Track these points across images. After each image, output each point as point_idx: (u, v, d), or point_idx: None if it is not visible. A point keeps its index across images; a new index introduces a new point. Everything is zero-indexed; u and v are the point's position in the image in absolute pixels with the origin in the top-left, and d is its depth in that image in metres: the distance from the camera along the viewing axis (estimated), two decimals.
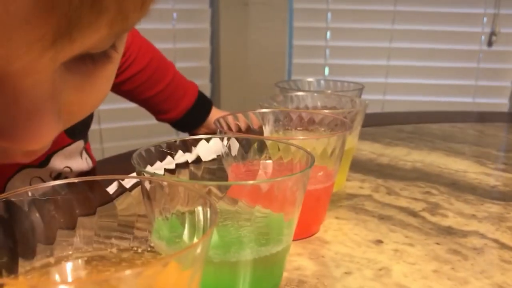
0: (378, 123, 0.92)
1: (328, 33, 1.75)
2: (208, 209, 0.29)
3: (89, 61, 0.26)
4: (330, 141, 0.46)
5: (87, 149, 0.64)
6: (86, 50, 0.24)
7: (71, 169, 0.57)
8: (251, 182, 0.34)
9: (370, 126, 0.87)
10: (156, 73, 0.81)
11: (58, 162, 0.55)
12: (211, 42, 1.73)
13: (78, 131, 0.57)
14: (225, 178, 0.46)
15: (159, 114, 0.83)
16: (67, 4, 0.20)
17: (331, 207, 0.54)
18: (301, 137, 0.53)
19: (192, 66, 1.71)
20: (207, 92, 1.76)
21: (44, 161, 0.53)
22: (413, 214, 0.54)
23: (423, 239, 0.48)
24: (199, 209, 0.30)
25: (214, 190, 0.33)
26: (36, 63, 0.22)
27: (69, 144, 0.56)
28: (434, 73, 1.73)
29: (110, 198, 0.32)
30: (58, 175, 0.57)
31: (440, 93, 1.73)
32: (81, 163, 0.62)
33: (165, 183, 0.32)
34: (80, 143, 0.58)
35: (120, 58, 0.29)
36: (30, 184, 0.54)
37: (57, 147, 0.54)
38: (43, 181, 0.55)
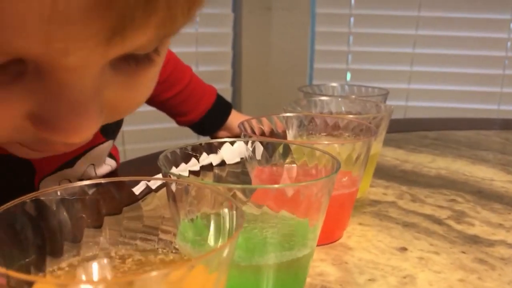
0: (402, 129, 0.91)
1: (351, 38, 1.74)
2: (234, 212, 0.29)
3: (132, 62, 0.27)
4: (356, 147, 0.46)
5: (111, 151, 0.65)
6: (133, 50, 0.24)
7: (95, 169, 0.58)
8: (276, 186, 0.34)
9: (393, 132, 0.86)
10: (173, 75, 0.81)
11: (84, 161, 0.55)
12: (233, 46, 1.73)
13: (112, 130, 0.57)
14: (248, 181, 0.46)
15: (178, 116, 0.83)
16: (124, 3, 0.21)
17: (355, 213, 0.54)
18: (326, 142, 0.53)
19: (214, 70, 1.71)
20: (228, 96, 1.76)
21: (75, 158, 0.54)
22: (438, 222, 0.53)
23: (449, 247, 0.47)
24: (225, 211, 0.30)
25: (239, 193, 0.33)
26: (87, 58, 0.23)
27: (102, 143, 0.56)
28: (458, 79, 1.71)
29: (136, 199, 0.33)
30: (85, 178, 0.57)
31: (465, 99, 1.71)
32: (108, 162, 0.62)
33: (191, 185, 0.32)
34: (110, 143, 0.59)
35: (162, 62, 0.30)
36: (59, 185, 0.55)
37: (92, 144, 0.54)
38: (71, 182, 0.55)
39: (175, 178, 0.33)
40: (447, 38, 1.68)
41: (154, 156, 0.38)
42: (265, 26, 1.71)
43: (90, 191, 0.31)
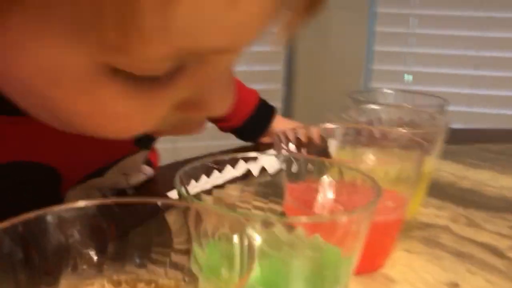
0: (462, 140, 0.84)
1: (411, 39, 1.66)
2: (246, 247, 0.25)
3: None
4: (404, 166, 0.40)
5: (149, 157, 0.62)
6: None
7: (127, 179, 0.55)
8: (304, 219, 0.29)
9: (452, 143, 0.79)
10: None
11: (115, 171, 0.53)
12: (287, 45, 1.69)
13: (146, 140, 0.54)
14: (280, 195, 0.42)
15: (219, 122, 0.80)
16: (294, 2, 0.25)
17: (401, 237, 0.48)
18: (370, 162, 0.48)
19: (265, 70, 1.68)
20: (280, 97, 1.72)
21: (105, 167, 0.51)
22: (498, 253, 0.46)
23: (509, 286, 0.41)
24: (236, 243, 0.26)
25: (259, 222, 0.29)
26: (247, 45, 0.26)
27: (135, 153, 0.53)
28: None
29: (143, 220, 0.29)
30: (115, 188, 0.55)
31: None
32: (144, 170, 0.60)
33: (202, 210, 0.28)
34: (144, 153, 0.56)
35: None
36: (88, 196, 0.52)
37: (123, 153, 0.52)
38: (101, 192, 0.53)
39: (189, 199, 0.30)
40: None
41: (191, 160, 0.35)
42: (321, 25, 1.66)
43: (93, 212, 0.28)
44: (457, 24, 1.60)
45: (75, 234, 0.28)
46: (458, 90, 1.62)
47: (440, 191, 0.61)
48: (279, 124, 0.80)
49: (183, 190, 0.30)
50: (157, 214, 0.29)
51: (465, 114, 1.62)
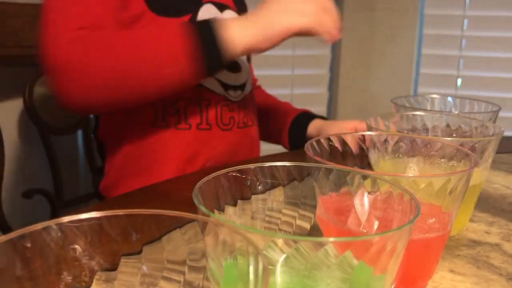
0: None
1: (464, 42, 1.58)
2: (261, 270, 0.23)
3: None
4: (449, 179, 0.37)
5: None
6: None
7: None
8: (332, 239, 0.26)
9: (504, 152, 0.73)
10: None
11: None
12: (332, 48, 1.65)
13: None
14: (311, 204, 0.39)
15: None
16: None
17: (446, 255, 0.44)
18: (412, 172, 0.44)
19: (310, 74, 1.64)
20: (324, 101, 1.68)
21: None
22: None
23: None
24: (251, 264, 0.24)
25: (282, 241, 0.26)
26: None
27: None
28: None
29: (158, 236, 0.27)
30: None
31: None
32: None
33: (219, 227, 0.26)
34: None
35: None
36: None
37: None
38: None
39: (207, 213, 0.27)
40: None
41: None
42: (368, 27, 1.61)
43: (104, 225, 0.26)
44: (510, 26, 1.51)
45: (82, 248, 0.26)
46: (510, 94, 1.53)
47: (491, 204, 0.57)
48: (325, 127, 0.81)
49: (200, 203, 0.28)
50: (171, 228, 0.27)
51: None
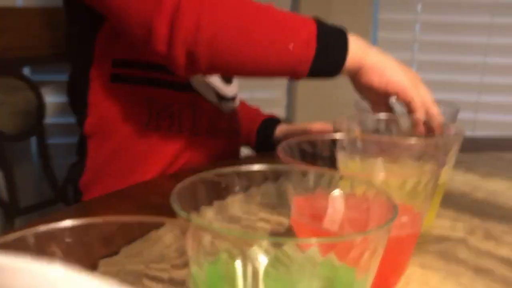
0: (473, 149, 0.81)
1: (416, 46, 1.63)
2: (250, 270, 0.22)
3: None
4: (420, 179, 0.37)
5: None
6: None
7: None
8: (314, 240, 0.26)
9: (463, 152, 0.76)
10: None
11: None
12: None
13: None
14: (287, 206, 0.39)
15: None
16: None
17: (415, 251, 0.45)
18: (382, 172, 0.45)
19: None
20: (283, 106, 1.69)
21: None
22: None
23: None
24: (239, 265, 0.24)
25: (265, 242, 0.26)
26: None
27: None
28: None
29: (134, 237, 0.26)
30: None
31: None
32: None
33: (202, 228, 0.25)
34: None
35: None
36: None
37: None
38: None
39: (186, 216, 0.27)
40: None
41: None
42: None
43: (79, 232, 0.25)
44: (462, 30, 1.58)
45: (62, 254, 0.25)
46: (464, 97, 1.59)
47: (454, 202, 0.58)
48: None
49: (179, 207, 0.28)
50: (148, 232, 0.26)
51: (472, 122, 1.59)
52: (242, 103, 0.93)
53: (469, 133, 1.39)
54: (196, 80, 0.72)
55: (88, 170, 0.72)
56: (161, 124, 0.71)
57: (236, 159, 0.75)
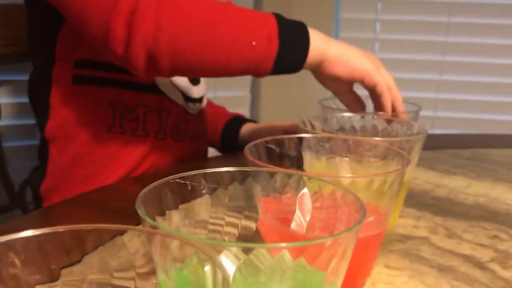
0: (433, 146, 0.83)
1: (377, 45, 1.66)
2: (220, 278, 0.22)
3: None
4: (386, 179, 0.38)
5: None
6: None
7: None
8: (283, 245, 0.26)
9: (424, 150, 0.77)
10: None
11: None
12: None
13: None
14: (254, 209, 0.39)
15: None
16: None
17: (380, 251, 0.46)
18: (348, 172, 0.45)
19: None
20: (247, 104, 1.69)
21: None
22: (480, 265, 0.45)
23: None
24: (208, 273, 0.23)
25: (234, 250, 0.26)
26: None
27: None
28: (492, 88, 1.60)
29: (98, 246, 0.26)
30: None
31: (501, 111, 1.60)
32: None
33: (168, 236, 0.25)
34: None
35: None
36: None
37: None
38: None
39: (151, 223, 0.26)
40: (479, 45, 1.58)
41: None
42: None
43: (39, 241, 0.24)
44: (421, 29, 1.61)
45: (21, 264, 0.24)
46: (423, 94, 1.62)
47: (416, 200, 0.59)
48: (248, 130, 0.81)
49: (144, 213, 0.27)
50: (111, 238, 0.25)
51: (431, 119, 1.63)
52: (208, 103, 0.92)
53: (428, 130, 1.43)
54: (162, 82, 0.70)
55: (49, 175, 0.70)
56: (126, 127, 0.68)
57: (202, 161, 0.73)
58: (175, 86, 0.72)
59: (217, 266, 0.22)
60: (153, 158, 0.71)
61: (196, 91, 0.76)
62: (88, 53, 0.66)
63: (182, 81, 0.73)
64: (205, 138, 0.81)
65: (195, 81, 0.76)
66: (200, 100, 0.77)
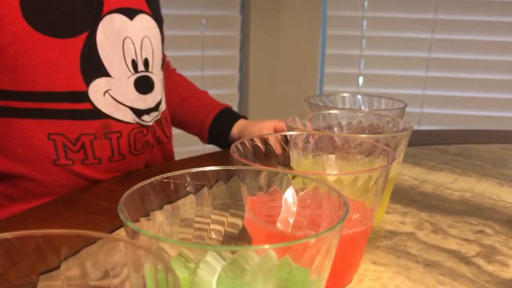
0: (419, 143, 0.83)
1: (364, 42, 1.66)
2: (204, 276, 0.22)
3: None
4: (371, 176, 0.38)
5: None
6: None
7: None
8: (267, 246, 0.26)
9: (409, 146, 0.78)
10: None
11: None
12: (241, 50, 1.66)
13: None
14: (240, 206, 0.39)
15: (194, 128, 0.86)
16: None
17: (367, 247, 0.46)
18: (335, 169, 0.46)
19: (220, 75, 1.64)
20: (235, 102, 1.69)
21: None
22: (465, 260, 0.45)
23: None
24: (193, 273, 0.23)
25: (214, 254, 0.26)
26: None
27: None
28: (478, 85, 1.62)
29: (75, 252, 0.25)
30: None
31: (486, 107, 1.62)
32: None
33: (119, 243, 0.24)
34: None
35: None
36: None
37: None
38: None
39: (136, 232, 0.26)
40: (465, 42, 1.60)
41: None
42: (274, 29, 1.64)
43: (16, 246, 0.24)
44: (407, 27, 1.62)
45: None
46: (410, 91, 1.63)
47: (403, 196, 0.60)
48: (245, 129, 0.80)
49: (126, 218, 0.27)
50: (91, 244, 0.25)
51: (418, 115, 1.64)
52: (190, 85, 0.88)
53: (414, 126, 1.44)
54: (105, 103, 0.63)
55: None
56: (74, 158, 0.62)
57: (186, 160, 0.73)
58: (121, 104, 0.65)
59: (201, 265, 0.22)
60: (116, 174, 0.67)
61: (150, 100, 0.68)
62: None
63: (129, 95, 0.65)
64: (170, 139, 0.77)
65: (147, 90, 0.68)
66: (156, 107, 0.70)
